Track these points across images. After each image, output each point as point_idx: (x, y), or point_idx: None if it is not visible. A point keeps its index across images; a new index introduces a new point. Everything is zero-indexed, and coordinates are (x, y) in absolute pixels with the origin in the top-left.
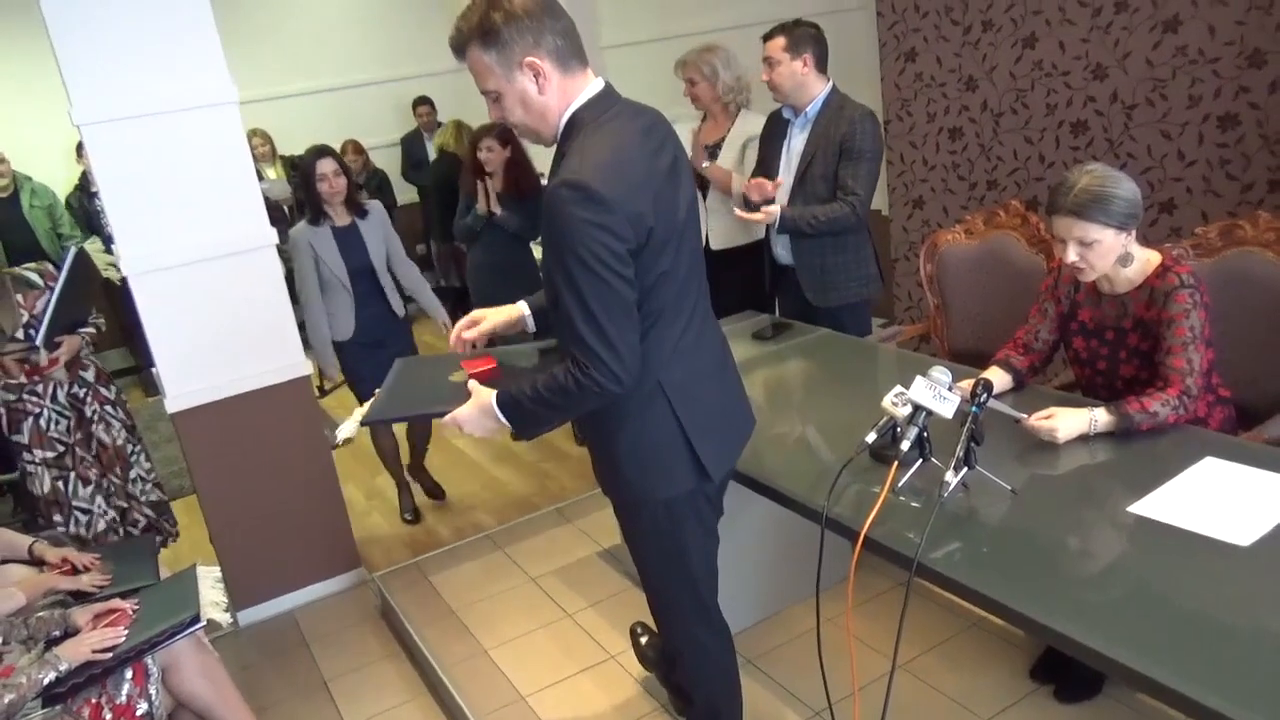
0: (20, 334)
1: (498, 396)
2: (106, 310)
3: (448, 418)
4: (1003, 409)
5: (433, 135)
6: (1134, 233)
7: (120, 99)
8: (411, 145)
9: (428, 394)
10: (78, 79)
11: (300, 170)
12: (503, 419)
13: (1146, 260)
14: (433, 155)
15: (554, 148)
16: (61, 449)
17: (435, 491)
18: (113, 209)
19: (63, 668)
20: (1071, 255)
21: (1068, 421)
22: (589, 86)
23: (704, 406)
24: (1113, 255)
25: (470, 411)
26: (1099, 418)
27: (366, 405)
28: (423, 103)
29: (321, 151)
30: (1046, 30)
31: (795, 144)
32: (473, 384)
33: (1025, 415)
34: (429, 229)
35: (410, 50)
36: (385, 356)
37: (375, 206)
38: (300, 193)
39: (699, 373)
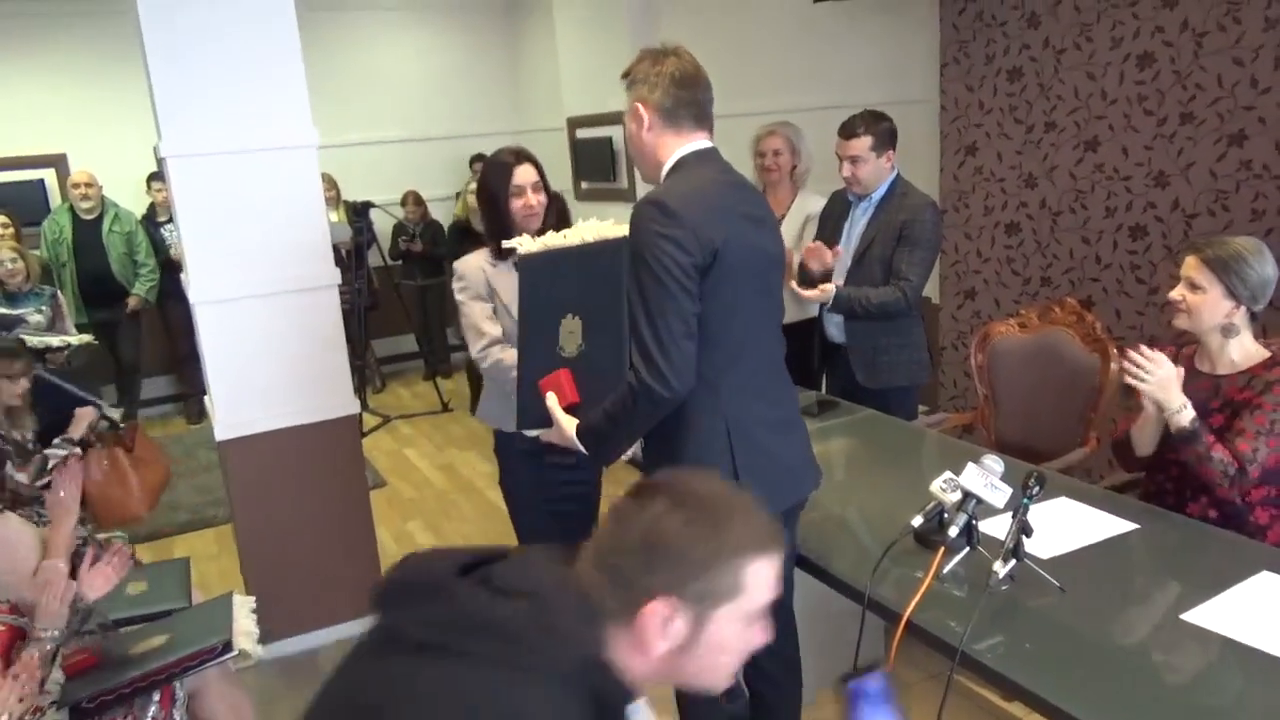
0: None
1: (578, 428)
2: (161, 339)
3: (540, 434)
4: (1044, 575)
5: None
6: (1244, 311)
7: (207, 135)
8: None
9: (551, 346)
10: (170, 113)
11: (484, 183)
12: (583, 449)
13: (1256, 350)
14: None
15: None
16: None
17: None
18: (188, 239)
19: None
20: (1175, 293)
21: (1166, 384)
22: (698, 142)
23: (762, 452)
24: (1212, 316)
25: (553, 436)
26: (1188, 413)
27: (545, 240)
28: (479, 160)
29: (517, 156)
30: (1110, 135)
31: (856, 226)
32: (555, 412)
33: (1059, 586)
34: None
35: (473, 109)
36: (571, 472)
37: None
38: (484, 212)
39: (764, 420)
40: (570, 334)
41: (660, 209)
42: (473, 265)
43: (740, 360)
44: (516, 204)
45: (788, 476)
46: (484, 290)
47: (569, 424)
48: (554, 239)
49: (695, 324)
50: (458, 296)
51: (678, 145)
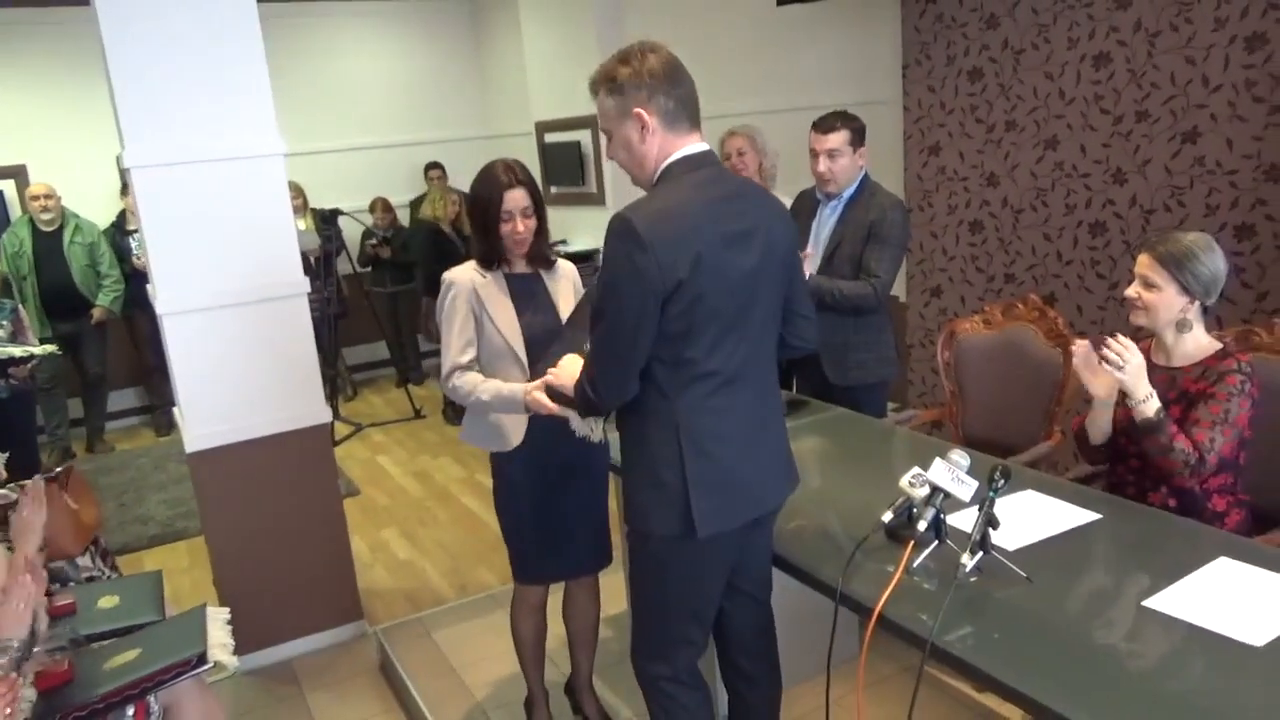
0: None
1: (578, 399)
2: (128, 350)
3: (549, 378)
4: (1010, 566)
5: None
6: (1197, 305)
7: (172, 145)
8: (420, 208)
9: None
10: (133, 124)
11: (475, 199)
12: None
13: (1209, 343)
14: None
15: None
16: None
17: None
18: (154, 250)
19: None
20: (1131, 290)
21: (1139, 374)
22: (691, 146)
23: (717, 465)
24: (1168, 311)
25: (540, 402)
26: (1154, 403)
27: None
28: (434, 167)
29: (511, 177)
30: (1068, 134)
31: (825, 225)
32: (571, 364)
33: (1025, 576)
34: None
35: (440, 114)
36: (573, 498)
37: (565, 266)
38: (474, 227)
39: (722, 434)
40: None
41: (630, 229)
42: (462, 277)
43: (702, 378)
44: (504, 228)
45: (743, 493)
46: (472, 304)
47: (569, 373)
48: None
49: (643, 346)
50: (444, 310)
51: (675, 149)
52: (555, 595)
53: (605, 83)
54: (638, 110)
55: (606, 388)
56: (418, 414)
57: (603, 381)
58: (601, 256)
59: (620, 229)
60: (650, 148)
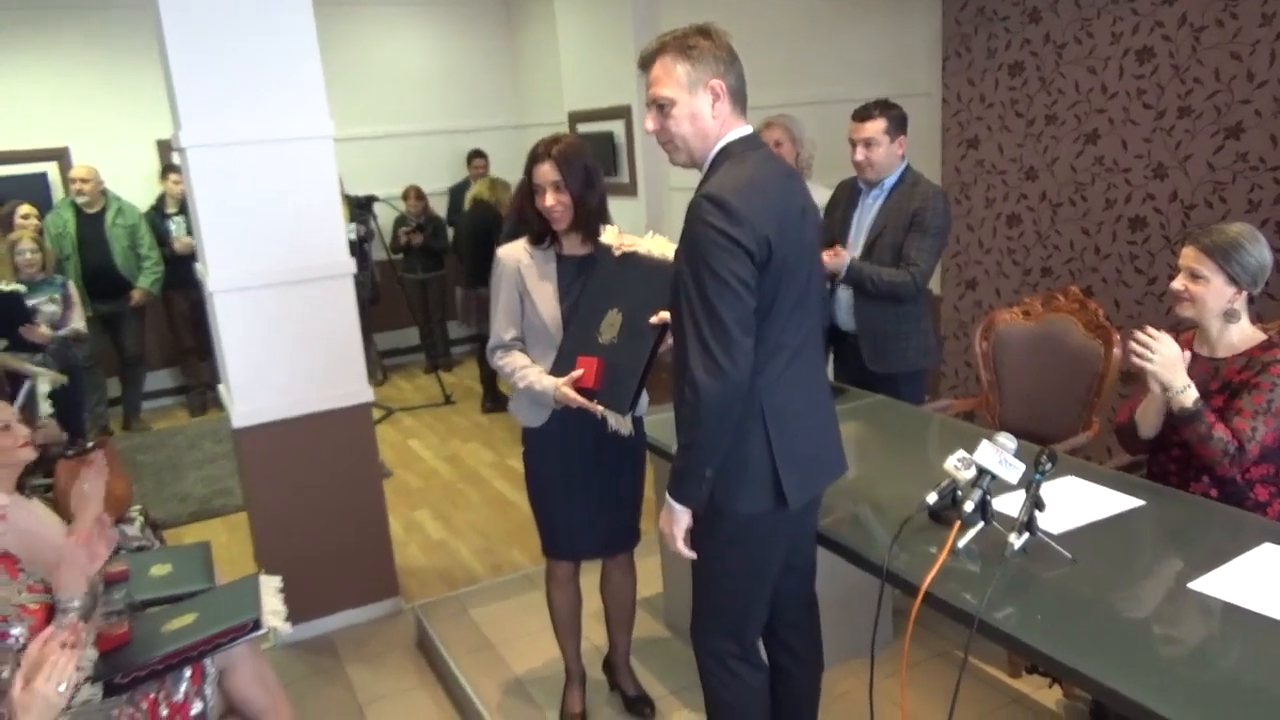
0: None
1: (669, 488)
2: (164, 332)
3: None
4: (1056, 547)
5: None
6: (1245, 295)
7: (226, 126)
8: (459, 195)
9: (593, 326)
10: (188, 105)
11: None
12: (675, 503)
13: (1253, 333)
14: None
15: (684, 169)
16: None
17: (640, 704)
18: (206, 229)
19: (75, 604)
20: (1178, 283)
21: (1172, 364)
22: (742, 128)
23: (797, 437)
24: (1215, 303)
25: (664, 520)
26: (1191, 393)
27: (623, 238)
28: (478, 155)
29: (544, 150)
30: (1109, 128)
31: (867, 214)
32: (579, 399)
33: (1070, 557)
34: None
35: (473, 103)
36: (601, 478)
37: (647, 255)
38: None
39: (798, 406)
40: (610, 325)
41: (722, 208)
42: (509, 254)
43: (779, 352)
44: (538, 202)
45: (821, 463)
46: (515, 280)
47: (664, 513)
48: (630, 238)
49: (754, 321)
50: (493, 287)
51: (731, 128)
52: (594, 573)
53: (679, 50)
54: (715, 82)
55: (739, 365)
56: (448, 399)
57: (736, 362)
58: (689, 237)
59: (711, 209)
60: (715, 123)
